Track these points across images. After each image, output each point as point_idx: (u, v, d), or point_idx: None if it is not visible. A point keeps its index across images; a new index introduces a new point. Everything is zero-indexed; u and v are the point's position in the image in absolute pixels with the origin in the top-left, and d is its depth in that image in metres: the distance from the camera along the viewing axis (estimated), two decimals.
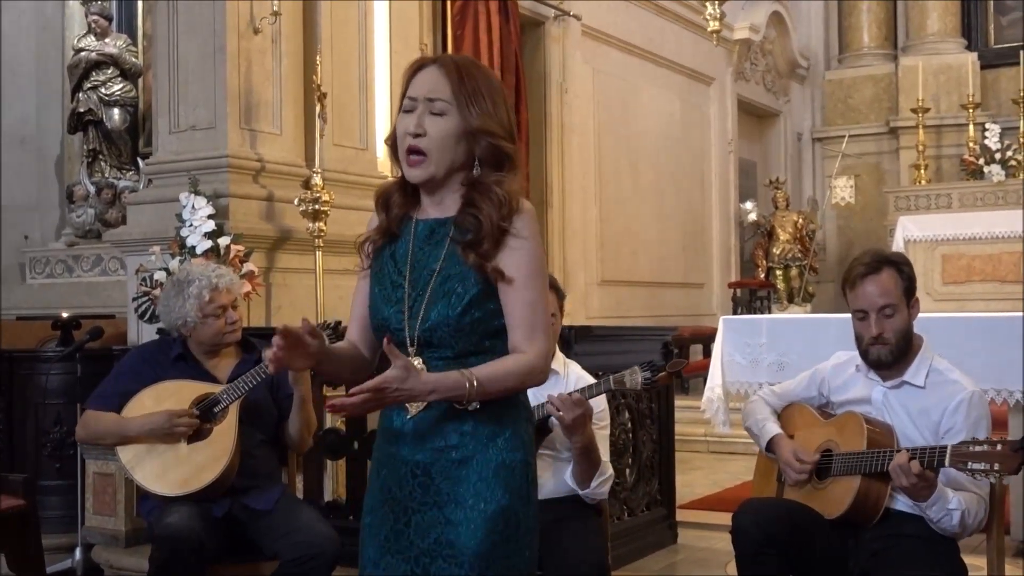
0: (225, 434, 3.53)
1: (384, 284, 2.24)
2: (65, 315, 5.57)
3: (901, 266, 3.18)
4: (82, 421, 3.71)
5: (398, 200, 2.26)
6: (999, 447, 2.75)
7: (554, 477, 3.41)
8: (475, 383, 2.11)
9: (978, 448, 2.78)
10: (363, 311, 2.32)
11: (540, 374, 2.22)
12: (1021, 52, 11.48)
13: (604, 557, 3.33)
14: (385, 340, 2.13)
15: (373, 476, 2.29)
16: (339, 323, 3.75)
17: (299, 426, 3.69)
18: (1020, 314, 4.82)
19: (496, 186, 2.16)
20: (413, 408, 2.19)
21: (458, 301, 2.15)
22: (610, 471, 3.40)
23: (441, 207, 2.23)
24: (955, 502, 2.96)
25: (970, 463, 2.78)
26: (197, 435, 3.54)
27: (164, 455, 3.54)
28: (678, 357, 5.58)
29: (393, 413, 2.23)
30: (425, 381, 2.10)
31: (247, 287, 5.27)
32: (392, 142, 2.23)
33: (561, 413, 3.11)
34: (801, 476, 3.20)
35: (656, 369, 3.16)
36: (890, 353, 3.14)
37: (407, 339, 2.18)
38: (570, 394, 3.17)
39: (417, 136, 2.16)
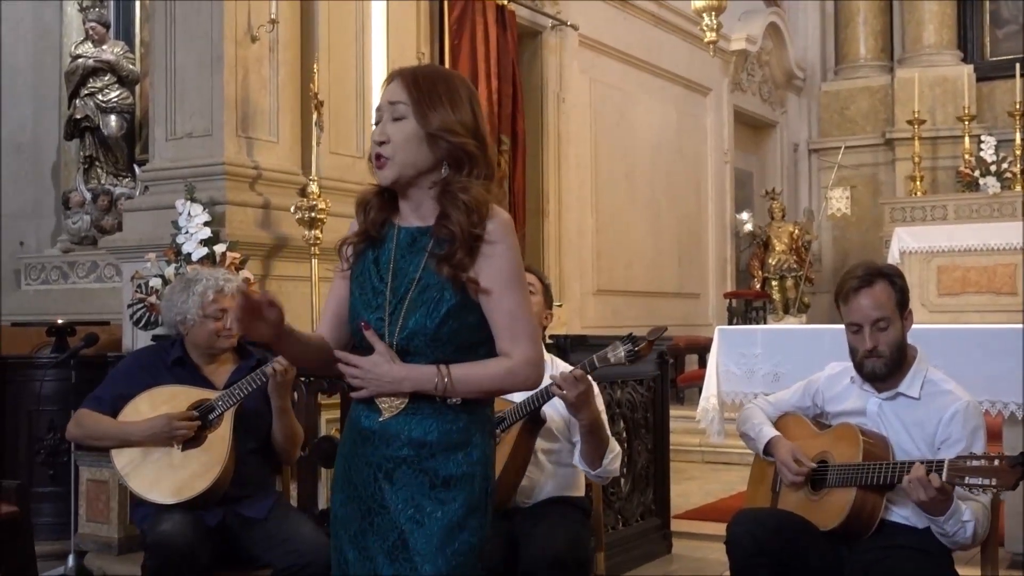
0: (220, 441, 3.53)
1: (365, 289, 2.28)
2: (60, 322, 5.57)
3: (894, 278, 3.18)
4: (75, 419, 3.68)
5: (376, 204, 2.30)
6: (997, 462, 2.75)
7: (552, 480, 3.43)
8: (447, 378, 2.17)
9: (975, 463, 2.78)
10: (336, 310, 2.37)
11: (524, 380, 2.26)
12: (1017, 65, 11.51)
13: (574, 543, 3.29)
14: (363, 325, 2.20)
15: (339, 469, 2.33)
16: None
17: (281, 437, 3.69)
18: (1015, 326, 4.83)
19: (462, 192, 2.19)
20: (387, 412, 2.23)
21: (436, 311, 2.18)
22: (617, 448, 3.42)
23: (420, 214, 2.27)
24: (968, 513, 2.94)
25: (967, 478, 2.77)
26: (192, 442, 3.54)
27: (159, 462, 3.53)
28: (671, 362, 5.58)
29: (363, 414, 2.27)
30: (400, 367, 2.18)
31: None
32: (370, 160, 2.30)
33: (564, 392, 3.13)
34: (798, 478, 3.19)
35: (637, 341, 3.18)
36: (884, 366, 3.15)
37: (387, 345, 2.22)
38: (571, 371, 3.18)
39: (381, 144, 2.22)
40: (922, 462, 2.90)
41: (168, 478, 3.51)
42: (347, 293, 2.33)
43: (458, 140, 2.20)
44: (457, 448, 2.22)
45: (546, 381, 3.19)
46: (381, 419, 2.23)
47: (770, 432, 3.36)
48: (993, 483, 2.74)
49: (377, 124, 2.27)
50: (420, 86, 2.22)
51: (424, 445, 2.21)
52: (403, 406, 2.22)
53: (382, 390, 2.21)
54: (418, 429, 2.21)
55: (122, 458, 3.57)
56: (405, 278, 2.23)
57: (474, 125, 2.25)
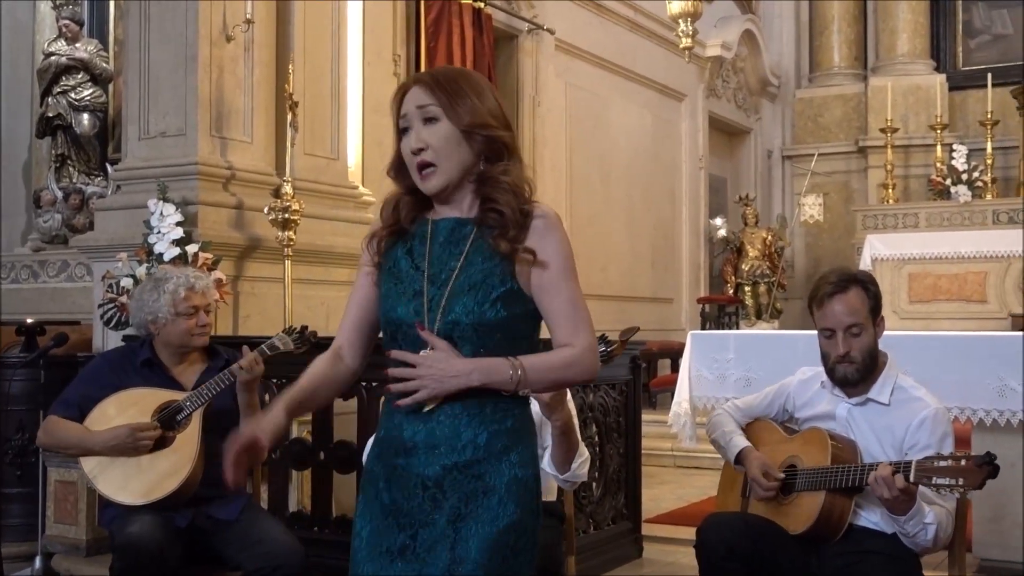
0: (188, 442, 3.51)
1: (401, 280, 2.21)
2: (30, 321, 5.52)
3: (867, 285, 3.20)
4: (44, 427, 3.67)
5: (408, 202, 2.26)
6: (963, 462, 2.77)
7: None
8: (520, 370, 2.11)
9: (943, 463, 2.80)
10: (359, 312, 2.32)
11: (586, 369, 2.20)
12: (988, 75, 11.63)
13: (549, 548, 3.29)
14: (418, 326, 2.13)
15: (370, 487, 2.23)
16: (305, 328, 3.74)
17: None
18: (985, 333, 4.87)
19: (503, 175, 2.17)
20: (430, 402, 2.14)
21: (485, 296, 2.13)
22: (586, 453, 3.41)
23: (456, 207, 2.23)
24: (931, 516, 2.97)
25: (935, 478, 2.79)
26: (160, 443, 3.51)
27: (127, 464, 3.51)
28: (644, 366, 5.60)
29: (404, 424, 2.18)
30: (467, 360, 2.11)
31: (216, 294, 5.25)
32: (393, 173, 2.25)
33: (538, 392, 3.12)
34: (769, 494, 3.21)
35: (609, 342, 3.18)
36: (856, 371, 3.17)
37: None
38: None
39: (420, 151, 2.17)
40: (890, 463, 2.92)
41: (137, 479, 3.49)
42: (372, 293, 2.28)
43: (493, 133, 2.19)
44: (508, 451, 2.15)
45: None
46: (426, 410, 2.14)
47: (741, 442, 3.37)
48: (960, 483, 2.76)
49: (403, 133, 2.21)
50: (444, 86, 2.19)
51: (475, 450, 2.13)
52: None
53: (446, 387, 2.10)
54: (467, 433, 2.13)
55: (90, 461, 3.55)
56: (445, 267, 2.17)
57: (502, 113, 2.24)
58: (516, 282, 2.16)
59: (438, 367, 2.10)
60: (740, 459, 3.35)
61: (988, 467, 2.73)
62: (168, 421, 3.53)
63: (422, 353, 2.13)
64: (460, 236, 2.20)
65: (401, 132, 2.22)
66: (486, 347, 2.14)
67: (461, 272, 2.16)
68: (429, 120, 2.18)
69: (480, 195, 2.19)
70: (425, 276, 2.18)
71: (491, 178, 2.18)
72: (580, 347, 2.18)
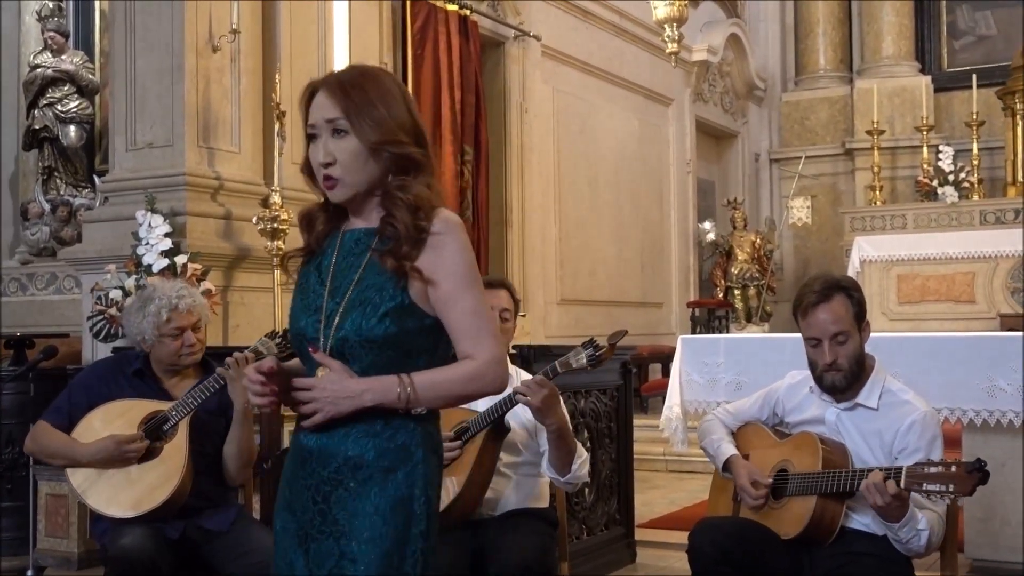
0: (176, 452, 3.49)
1: (306, 294, 2.21)
2: (18, 334, 5.51)
3: (851, 291, 3.20)
4: (32, 433, 3.64)
5: (323, 218, 2.24)
6: (954, 468, 2.77)
7: (516, 491, 3.42)
8: (409, 387, 2.08)
9: (933, 470, 2.80)
10: None
11: (492, 380, 2.15)
12: (974, 76, 11.69)
13: (543, 554, 3.31)
14: (311, 350, 2.12)
15: (281, 495, 2.24)
16: (287, 331, 3.71)
17: (235, 449, 3.59)
18: (973, 334, 4.88)
19: (399, 191, 2.13)
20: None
21: (373, 311, 2.10)
22: (585, 453, 3.41)
23: (366, 217, 2.20)
24: (924, 522, 2.97)
25: (925, 484, 2.79)
26: (148, 454, 3.50)
27: (115, 477, 3.49)
28: (635, 371, 5.61)
29: (302, 433, 2.19)
30: (359, 381, 2.09)
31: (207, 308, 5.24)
32: (306, 169, 2.21)
33: (529, 399, 3.12)
34: (758, 502, 3.22)
35: (598, 346, 3.18)
36: (844, 378, 3.17)
37: (322, 349, 2.13)
38: (533, 378, 3.18)
39: (328, 165, 2.14)
40: (881, 469, 2.92)
41: (126, 492, 3.47)
42: None
43: (402, 151, 2.14)
44: (396, 468, 2.10)
45: (508, 391, 3.19)
46: (316, 436, 2.14)
47: (728, 450, 3.38)
48: (951, 489, 2.76)
49: (311, 140, 2.17)
50: (351, 96, 2.13)
51: (361, 466, 2.10)
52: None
53: (340, 408, 2.08)
54: (355, 448, 2.10)
55: (78, 476, 3.52)
56: (345, 279, 2.15)
57: (412, 123, 2.17)
58: (408, 296, 2.11)
59: (331, 389, 2.09)
60: (728, 468, 3.36)
61: (979, 474, 2.73)
62: (155, 431, 3.51)
63: (318, 373, 2.11)
64: (362, 248, 2.17)
65: (310, 138, 2.19)
66: (377, 364, 2.11)
67: (356, 285, 2.13)
68: (337, 132, 2.14)
69: (384, 207, 2.16)
70: (326, 289, 2.17)
71: (389, 193, 2.14)
72: (481, 359, 2.12)
